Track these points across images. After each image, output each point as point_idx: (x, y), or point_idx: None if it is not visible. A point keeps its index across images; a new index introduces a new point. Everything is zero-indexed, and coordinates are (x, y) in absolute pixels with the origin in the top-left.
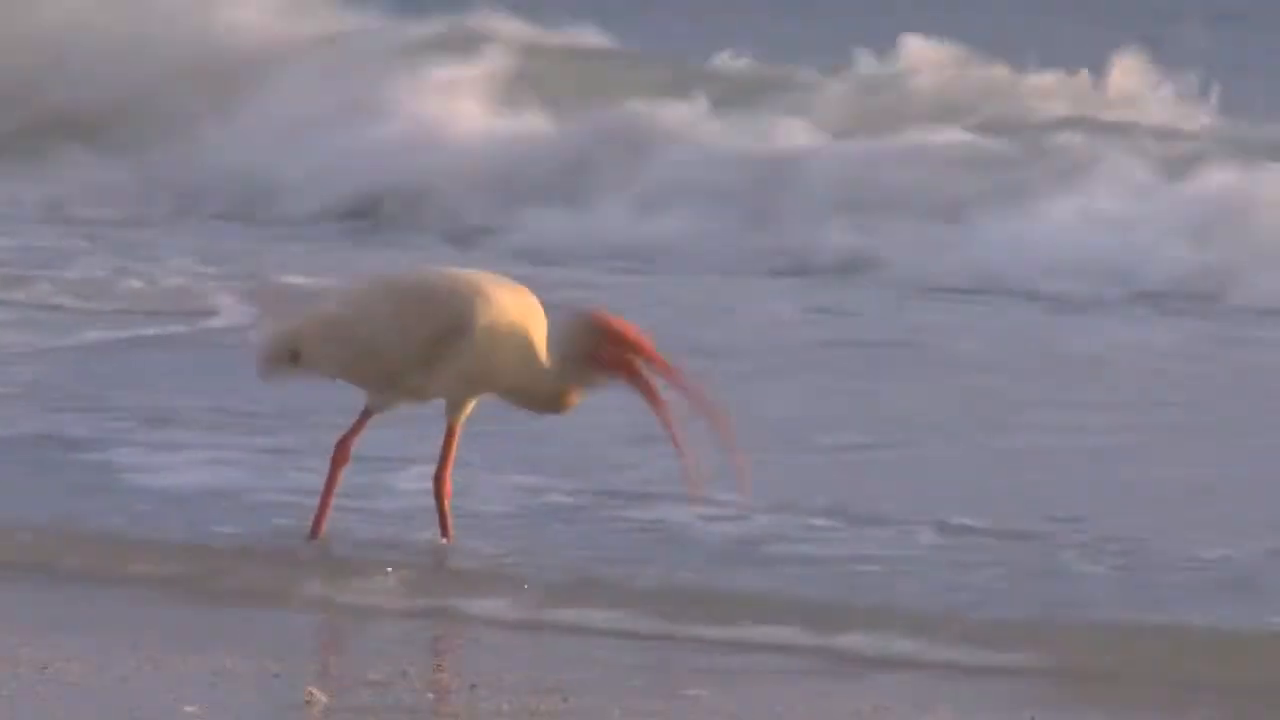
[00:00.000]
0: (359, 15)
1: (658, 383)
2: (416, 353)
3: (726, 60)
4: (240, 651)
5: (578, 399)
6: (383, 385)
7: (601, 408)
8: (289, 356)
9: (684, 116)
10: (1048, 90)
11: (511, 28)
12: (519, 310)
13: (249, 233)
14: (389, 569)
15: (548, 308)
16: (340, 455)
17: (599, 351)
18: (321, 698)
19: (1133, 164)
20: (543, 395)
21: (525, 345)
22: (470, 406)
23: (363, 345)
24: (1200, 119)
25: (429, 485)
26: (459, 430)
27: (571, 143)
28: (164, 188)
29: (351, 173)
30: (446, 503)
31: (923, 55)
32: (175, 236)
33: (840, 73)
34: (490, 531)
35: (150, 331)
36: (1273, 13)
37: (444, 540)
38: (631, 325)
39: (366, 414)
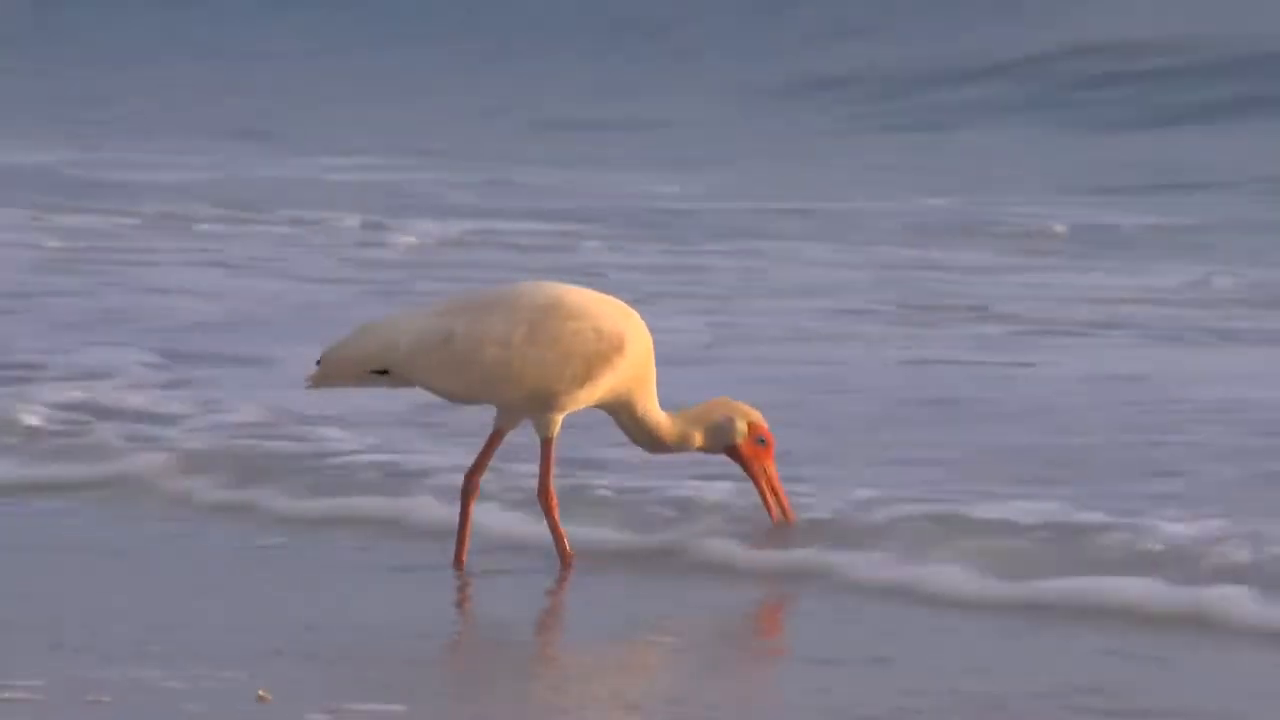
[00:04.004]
0: None
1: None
2: (570, 374)
3: None
4: None
5: (674, 450)
6: (515, 404)
7: None
8: (369, 372)
9: None
10: None
11: None
12: (648, 334)
13: None
14: None
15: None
16: (545, 502)
17: (742, 443)
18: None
19: None
20: (644, 433)
21: (651, 370)
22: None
23: (492, 367)
24: None
25: None
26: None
27: None
28: None
29: None
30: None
31: None
32: None
33: None
34: None
35: None
36: None
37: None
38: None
39: (545, 446)
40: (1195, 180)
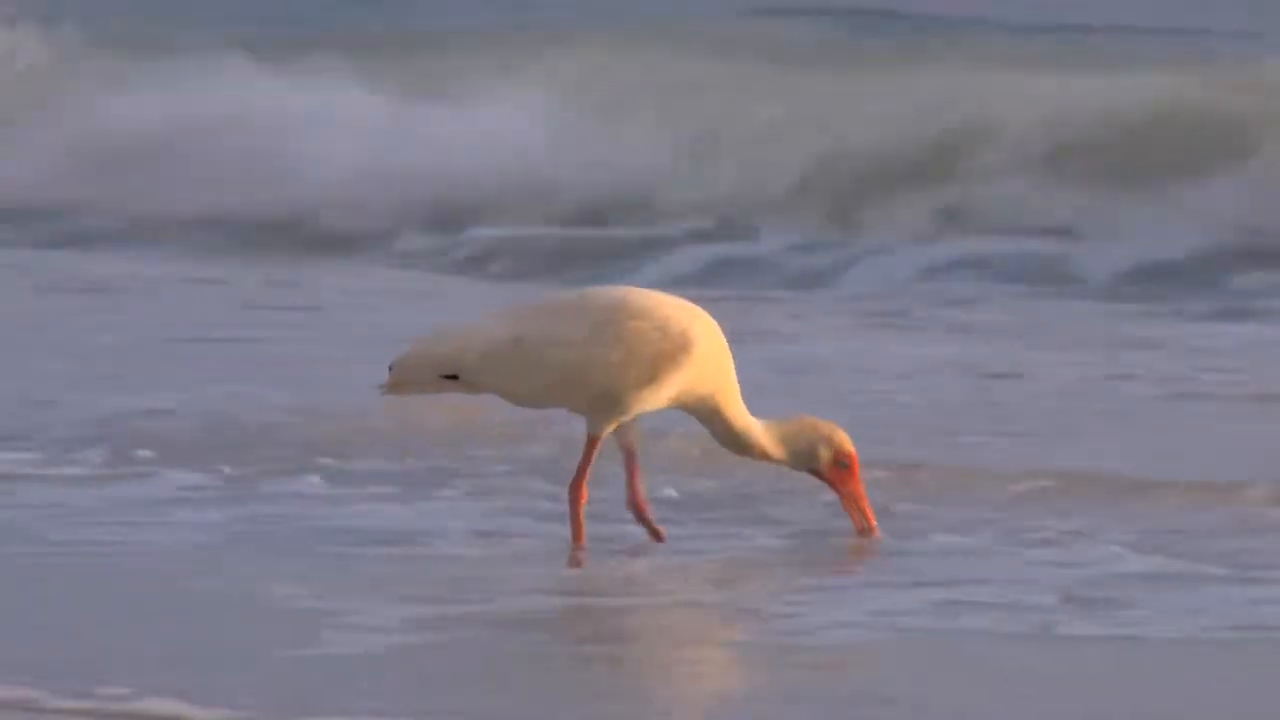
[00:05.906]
0: None
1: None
2: (635, 374)
3: None
4: None
5: (758, 459)
6: (585, 407)
7: None
8: (440, 377)
9: None
10: None
11: None
12: (720, 335)
13: None
14: None
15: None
16: (575, 496)
17: (824, 467)
18: None
19: None
20: (730, 436)
21: (729, 371)
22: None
23: (560, 370)
24: None
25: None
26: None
27: None
28: None
29: None
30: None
31: None
32: None
33: None
34: None
35: None
36: None
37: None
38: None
39: (590, 443)
40: None
